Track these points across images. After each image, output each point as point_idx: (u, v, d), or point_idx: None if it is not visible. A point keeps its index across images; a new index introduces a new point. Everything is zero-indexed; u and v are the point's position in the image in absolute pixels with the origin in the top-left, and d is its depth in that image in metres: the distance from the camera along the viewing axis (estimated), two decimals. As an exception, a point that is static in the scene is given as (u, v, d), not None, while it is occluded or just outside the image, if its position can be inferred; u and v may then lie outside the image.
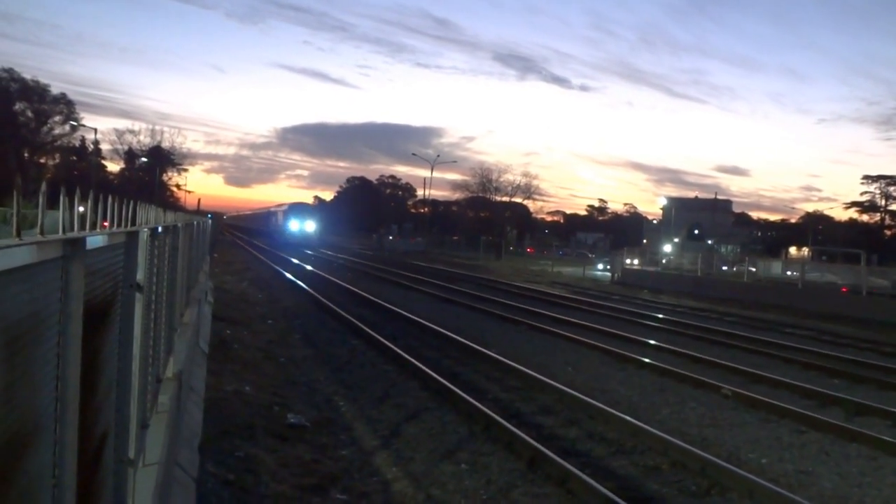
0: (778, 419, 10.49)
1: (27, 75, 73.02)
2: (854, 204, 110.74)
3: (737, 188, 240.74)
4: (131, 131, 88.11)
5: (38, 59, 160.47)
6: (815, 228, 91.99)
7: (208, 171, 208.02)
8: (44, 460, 1.83)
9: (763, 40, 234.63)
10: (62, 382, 1.97)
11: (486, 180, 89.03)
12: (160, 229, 5.16)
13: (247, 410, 8.87)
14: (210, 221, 28.06)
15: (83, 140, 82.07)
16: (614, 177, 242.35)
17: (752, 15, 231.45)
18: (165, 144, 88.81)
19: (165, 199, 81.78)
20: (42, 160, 79.06)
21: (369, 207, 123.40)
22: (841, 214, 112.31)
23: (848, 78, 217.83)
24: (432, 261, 57.01)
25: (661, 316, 24.03)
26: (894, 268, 40.62)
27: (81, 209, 2.46)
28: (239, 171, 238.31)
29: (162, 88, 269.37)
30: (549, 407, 10.52)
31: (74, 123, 74.77)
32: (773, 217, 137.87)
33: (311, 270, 34.35)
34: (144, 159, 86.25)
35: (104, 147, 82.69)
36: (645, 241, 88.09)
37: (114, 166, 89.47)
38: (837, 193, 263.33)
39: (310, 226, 65.90)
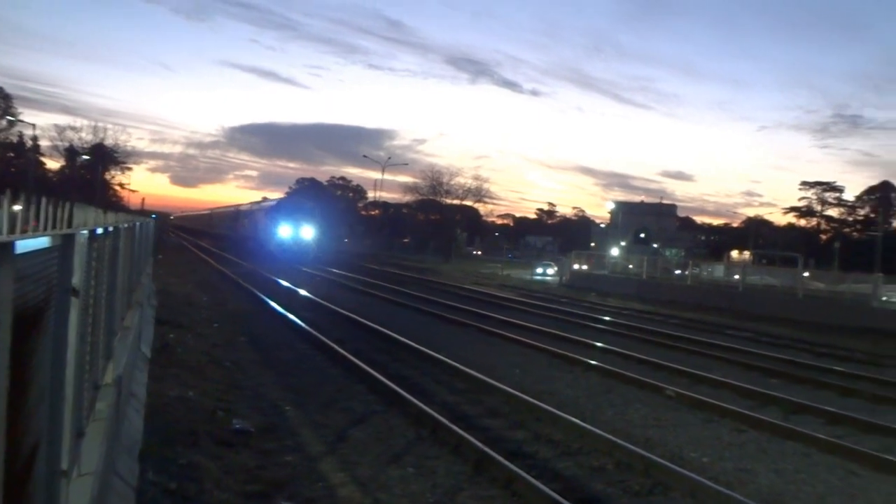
0: (719, 419, 10.77)
1: (-40, 68, 70.29)
2: (792, 209, 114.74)
3: (682, 193, 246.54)
4: (73, 128, 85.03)
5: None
6: (755, 232, 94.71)
7: (153, 170, 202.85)
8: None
9: (708, 49, 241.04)
10: (-13, 393, 1.90)
11: (436, 183, 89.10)
12: (99, 231, 5.02)
13: (190, 416, 8.68)
14: (154, 222, 27.43)
15: (21, 136, 79.25)
16: (563, 181, 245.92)
17: (697, 24, 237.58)
18: (108, 142, 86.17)
19: (108, 198, 79.46)
20: (-25, 157, 76.11)
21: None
22: (780, 219, 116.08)
23: (787, 87, 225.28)
24: (382, 263, 56.80)
25: (607, 318, 24.44)
26: (830, 271, 42.13)
27: (18, 208, 2.38)
28: (185, 170, 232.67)
29: (106, 84, 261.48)
30: (496, 409, 10.58)
31: (12, 118, 72.19)
32: (716, 221, 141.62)
33: (255, 272, 33.83)
34: (86, 157, 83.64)
35: (43, 144, 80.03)
36: (593, 244, 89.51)
37: (54, 164, 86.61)
38: (777, 199, 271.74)
39: (307, 233, 46.05)
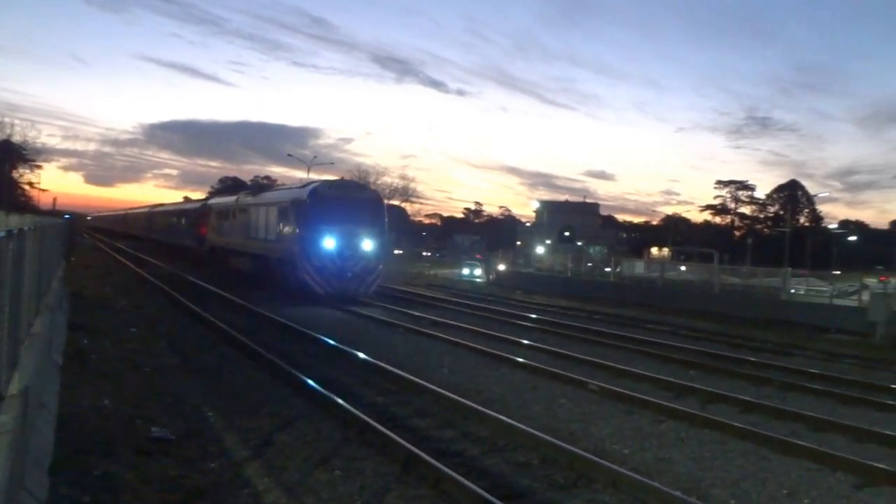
0: (640, 410, 11.09)
1: None
2: (708, 207, 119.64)
3: (604, 192, 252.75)
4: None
5: None
6: (674, 230, 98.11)
7: (66, 168, 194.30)
8: None
9: (627, 51, 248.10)
10: None
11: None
12: (2, 234, 4.76)
13: (106, 425, 8.34)
14: (67, 224, 26.20)
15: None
16: (490, 180, 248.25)
17: (617, 26, 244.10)
18: (16, 139, 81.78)
19: (16, 198, 75.53)
20: None
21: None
22: (697, 217, 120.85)
23: (702, 89, 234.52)
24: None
25: (533, 316, 24.81)
26: (743, 266, 43.99)
27: None
28: (101, 168, 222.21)
29: (12, 77, 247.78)
30: (424, 409, 10.59)
31: None
32: (636, 219, 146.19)
33: (178, 276, 32.82)
34: (-10, 156, 79.19)
35: (-57, 140, 75.35)
36: (519, 242, 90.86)
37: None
38: (694, 197, 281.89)
39: (368, 245, 26.23)
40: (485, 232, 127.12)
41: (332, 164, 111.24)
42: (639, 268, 45.44)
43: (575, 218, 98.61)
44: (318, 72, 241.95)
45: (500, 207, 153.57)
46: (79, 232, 71.03)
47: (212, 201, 43.99)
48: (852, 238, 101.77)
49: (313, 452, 8.25)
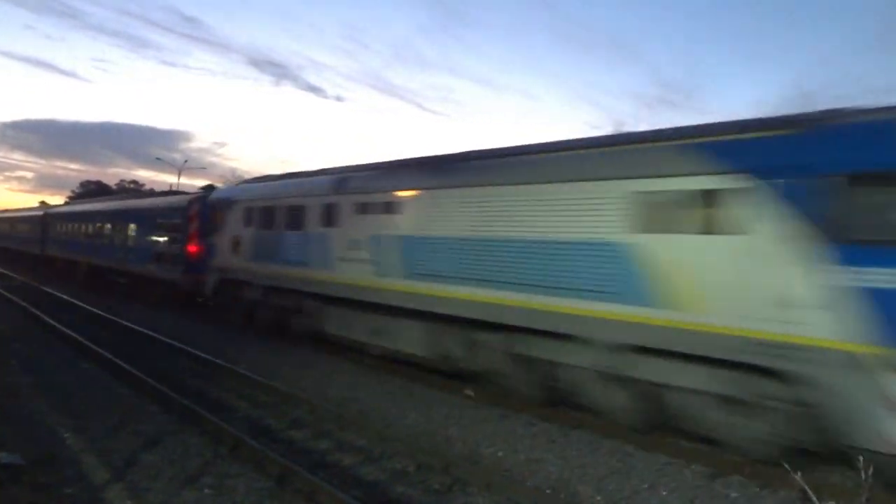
0: (514, 414, 11.41)
1: None
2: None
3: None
4: None
5: None
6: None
7: None
8: None
9: (504, 63, 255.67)
10: None
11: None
12: None
13: (-54, 454, 7.66)
14: None
15: None
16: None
17: (494, 39, 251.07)
18: None
19: None
20: None
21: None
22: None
23: (574, 102, 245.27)
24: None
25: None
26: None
27: None
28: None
29: None
30: (300, 421, 10.43)
31: None
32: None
33: (26, 283, 30.55)
34: None
35: None
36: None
37: None
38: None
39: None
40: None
41: (205, 168, 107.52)
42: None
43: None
44: (189, 72, 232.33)
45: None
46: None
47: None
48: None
49: (181, 471, 7.94)
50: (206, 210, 21.71)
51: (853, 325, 7.24)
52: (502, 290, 10.91)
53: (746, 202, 8.09)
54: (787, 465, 8.03)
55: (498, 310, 10.99)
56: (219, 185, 24.68)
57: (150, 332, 18.00)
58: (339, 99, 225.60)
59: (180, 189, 36.77)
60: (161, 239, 25.17)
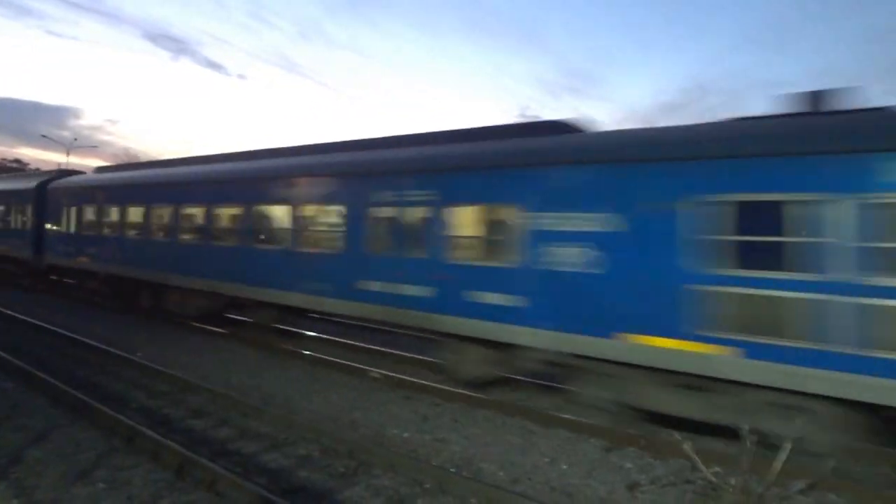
0: (419, 395, 11.52)
1: None
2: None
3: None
4: None
5: None
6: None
7: None
8: None
9: (412, 45, 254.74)
10: None
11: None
12: None
13: None
14: None
15: None
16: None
17: (402, 22, 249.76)
18: None
19: None
20: None
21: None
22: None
23: (482, 86, 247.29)
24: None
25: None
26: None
27: None
28: None
29: None
30: (200, 409, 10.15)
31: None
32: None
33: None
34: None
35: None
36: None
37: None
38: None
39: None
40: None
41: (96, 146, 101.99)
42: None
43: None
44: (78, 44, 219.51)
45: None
46: None
47: None
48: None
49: (72, 466, 7.59)
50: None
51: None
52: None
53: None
54: (678, 436, 8.54)
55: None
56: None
57: (32, 320, 17.03)
58: (241, 77, 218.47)
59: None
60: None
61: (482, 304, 10.54)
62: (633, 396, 9.43)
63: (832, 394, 7.54)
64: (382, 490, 7.31)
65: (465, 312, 10.76)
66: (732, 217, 8.12)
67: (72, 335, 15.25)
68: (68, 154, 70.44)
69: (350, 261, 12.61)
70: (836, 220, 7.49)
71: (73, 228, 22.25)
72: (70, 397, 10.03)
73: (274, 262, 14.34)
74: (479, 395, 11.30)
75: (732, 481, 7.27)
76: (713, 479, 7.48)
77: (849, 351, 7.36)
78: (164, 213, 18.05)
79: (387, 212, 12.04)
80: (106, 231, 20.41)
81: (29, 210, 24.96)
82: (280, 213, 14.46)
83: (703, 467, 7.66)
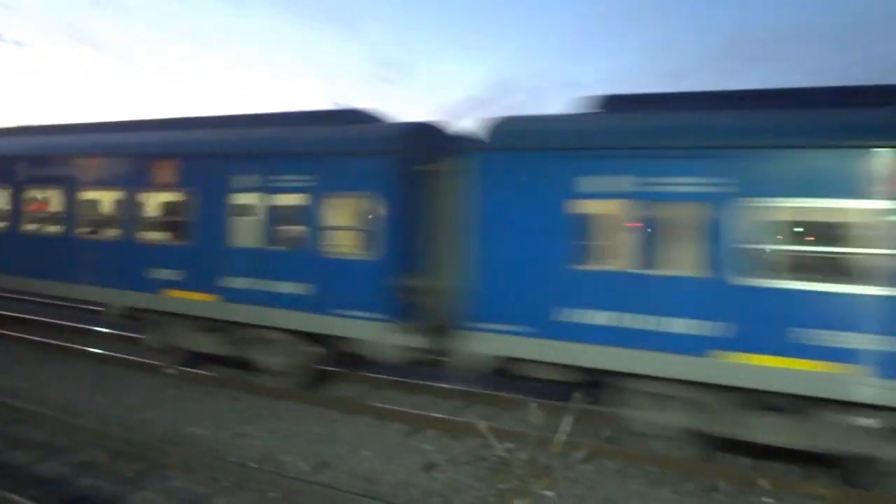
0: (218, 390, 11.09)
1: None
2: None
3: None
4: None
5: None
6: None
7: None
8: None
9: (219, 24, 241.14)
10: None
11: None
12: None
13: None
14: None
15: None
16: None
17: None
18: None
19: None
20: None
21: None
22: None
23: (293, 72, 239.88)
24: None
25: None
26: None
27: None
28: None
29: None
30: (-38, 419, 9.05)
31: None
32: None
33: None
34: None
35: None
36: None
37: None
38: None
39: None
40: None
41: None
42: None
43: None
44: None
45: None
46: None
47: None
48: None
49: None
50: None
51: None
52: None
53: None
54: (474, 419, 8.98)
55: None
56: None
57: None
58: (18, 44, 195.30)
59: None
60: None
61: None
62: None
63: None
64: (176, 492, 6.99)
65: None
66: None
67: None
68: None
69: None
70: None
71: None
72: None
73: None
74: (281, 388, 11.10)
75: (523, 456, 7.79)
76: (505, 454, 7.96)
77: None
78: None
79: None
80: None
81: None
82: None
83: (496, 443, 8.13)
